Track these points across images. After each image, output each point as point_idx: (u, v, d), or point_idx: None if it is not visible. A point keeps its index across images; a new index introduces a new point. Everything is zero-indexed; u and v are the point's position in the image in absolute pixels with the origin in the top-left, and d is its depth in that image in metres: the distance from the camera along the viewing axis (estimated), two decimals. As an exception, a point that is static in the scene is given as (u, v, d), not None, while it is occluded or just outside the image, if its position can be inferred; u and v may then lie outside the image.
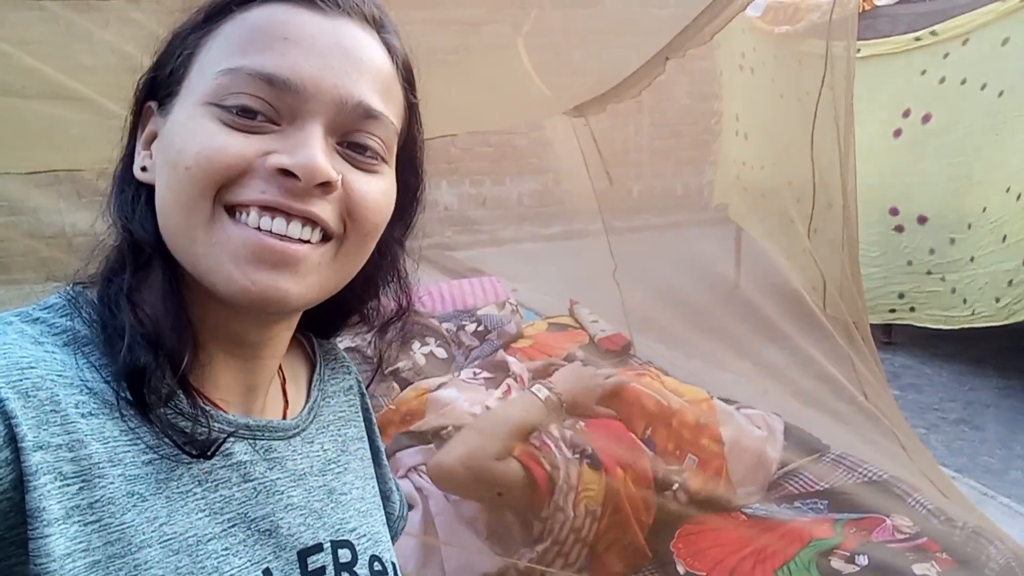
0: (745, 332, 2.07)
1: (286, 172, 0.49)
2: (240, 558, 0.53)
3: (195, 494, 0.52)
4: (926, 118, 3.22)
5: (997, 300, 3.01)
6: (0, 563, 0.45)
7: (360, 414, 0.73)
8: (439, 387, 1.82)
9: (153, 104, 0.55)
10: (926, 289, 3.34)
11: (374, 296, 0.66)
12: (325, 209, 0.51)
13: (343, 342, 0.76)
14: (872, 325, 3.60)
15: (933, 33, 3.16)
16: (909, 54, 3.26)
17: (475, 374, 1.80)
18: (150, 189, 0.53)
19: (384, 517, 0.70)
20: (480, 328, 2.55)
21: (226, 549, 0.52)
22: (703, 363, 2.57)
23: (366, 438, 0.73)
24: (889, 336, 3.61)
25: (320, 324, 0.70)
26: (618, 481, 1.43)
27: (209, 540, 0.52)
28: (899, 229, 3.40)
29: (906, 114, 3.29)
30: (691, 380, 2.37)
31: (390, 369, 2.36)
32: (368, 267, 0.59)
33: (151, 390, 0.50)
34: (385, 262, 0.64)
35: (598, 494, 1.41)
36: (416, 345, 2.42)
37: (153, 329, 0.50)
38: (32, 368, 0.47)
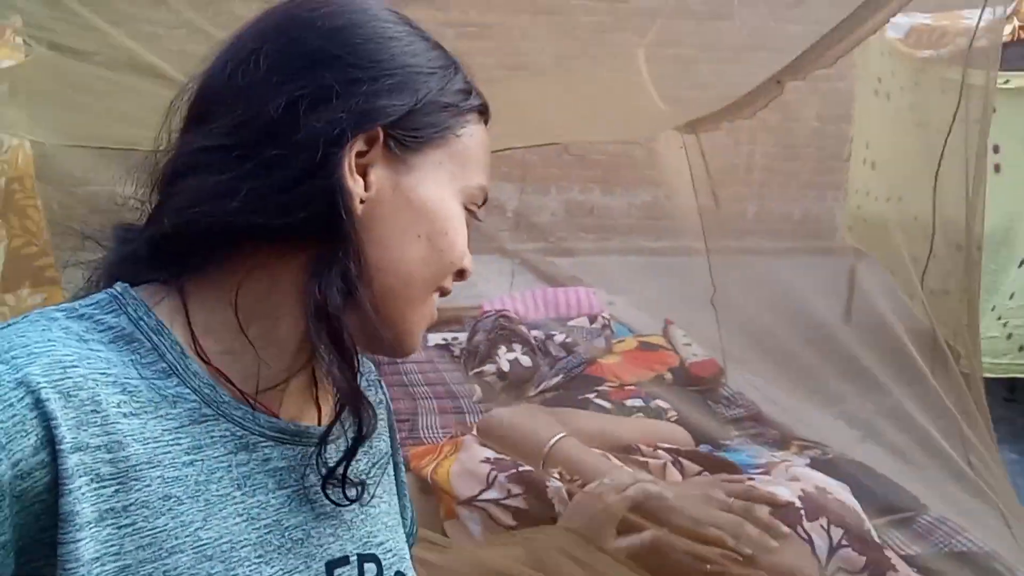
0: (849, 374, 1.94)
1: (462, 272, 0.62)
2: (272, 567, 0.53)
3: (234, 498, 0.52)
4: (1076, 156, 2.94)
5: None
6: (28, 564, 0.46)
7: (387, 429, 0.73)
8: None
9: (380, 132, 0.55)
10: (990, 335, 3.08)
11: None
12: None
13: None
14: (992, 381, 3.34)
15: (1096, 68, 2.87)
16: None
17: (510, 492, 1.34)
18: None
19: (403, 534, 0.70)
20: (568, 340, 2.52)
21: (259, 557, 0.53)
22: (800, 401, 2.45)
23: (390, 453, 0.72)
24: (1012, 393, 3.31)
25: None
26: None
27: (243, 547, 0.52)
28: None
29: (1060, 153, 3.01)
30: (786, 418, 2.26)
31: (475, 371, 2.37)
32: None
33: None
34: None
35: None
36: (502, 350, 2.42)
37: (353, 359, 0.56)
38: (75, 367, 0.47)
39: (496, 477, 1.32)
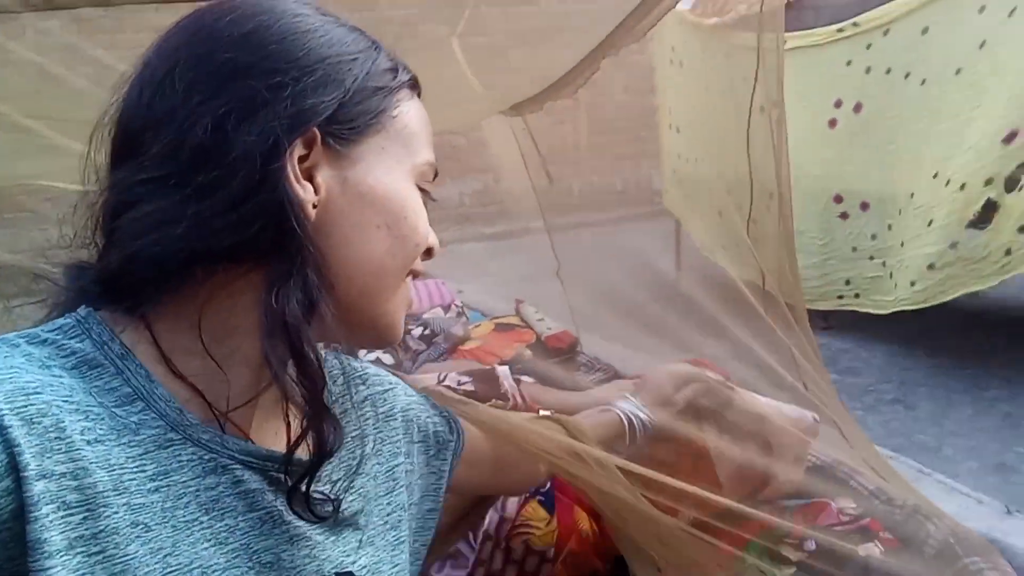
0: (687, 326, 2.09)
1: (430, 250, 0.62)
2: None
3: (201, 523, 0.51)
4: (857, 107, 3.32)
5: (912, 284, 3.11)
6: None
7: (393, 416, 0.72)
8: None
9: (316, 132, 0.53)
10: (868, 275, 3.44)
11: None
12: None
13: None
14: (811, 310, 3.70)
15: (855, 24, 3.26)
16: (834, 45, 3.35)
17: (459, 383, 1.54)
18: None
19: (391, 541, 0.67)
20: (427, 332, 2.53)
21: None
22: (649, 357, 2.61)
23: (400, 447, 0.71)
24: (827, 321, 3.71)
25: None
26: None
27: (213, 571, 0.51)
28: (843, 216, 3.48)
29: (838, 104, 3.38)
30: (639, 373, 2.40)
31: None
32: None
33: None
34: None
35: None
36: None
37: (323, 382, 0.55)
38: (38, 393, 0.46)
39: (445, 376, 1.35)
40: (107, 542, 0.46)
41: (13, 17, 0.71)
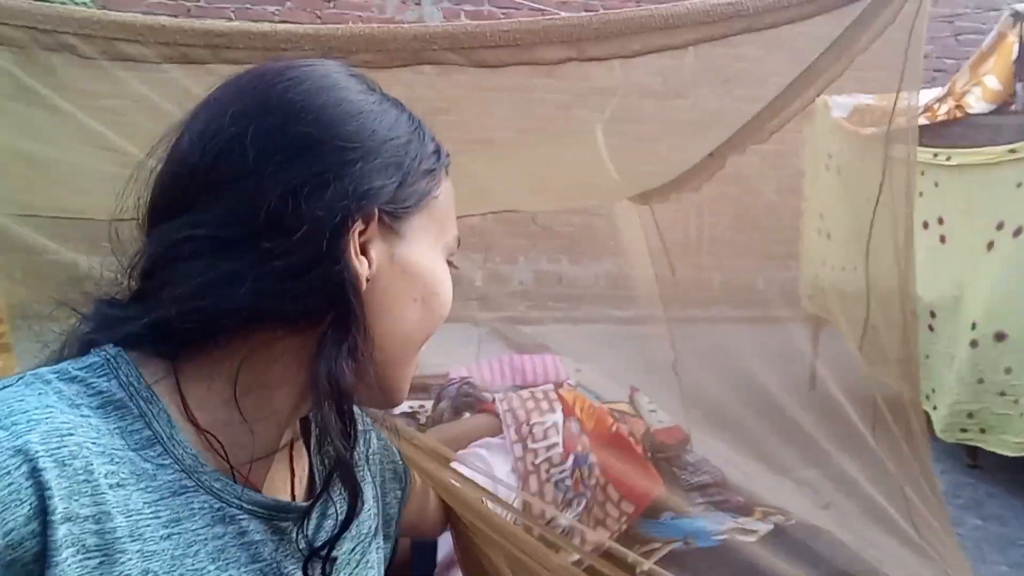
0: (808, 445, 1.97)
1: None
2: None
3: (208, 572, 0.52)
4: (1017, 232, 3.07)
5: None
6: None
7: (365, 461, 0.73)
8: None
9: (376, 210, 0.56)
10: (997, 411, 3.14)
11: None
12: None
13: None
14: (956, 447, 3.36)
15: (1030, 146, 3.04)
16: (1003, 166, 3.13)
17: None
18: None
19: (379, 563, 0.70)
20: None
21: None
22: (764, 468, 2.46)
23: (375, 486, 0.73)
24: (974, 459, 3.35)
25: None
26: None
27: None
28: (973, 344, 3.21)
29: (1000, 227, 3.15)
30: (749, 484, 2.27)
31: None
32: None
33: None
34: None
35: None
36: (467, 416, 2.41)
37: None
38: (71, 435, 0.47)
39: None
40: None
41: (154, 68, 0.82)
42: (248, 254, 0.52)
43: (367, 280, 0.56)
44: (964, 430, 3.26)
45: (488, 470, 1.69)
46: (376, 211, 0.56)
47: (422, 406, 2.66)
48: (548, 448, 1.78)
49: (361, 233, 0.55)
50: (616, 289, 5.03)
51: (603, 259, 5.02)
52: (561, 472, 1.72)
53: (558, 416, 1.88)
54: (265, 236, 0.52)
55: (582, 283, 5.16)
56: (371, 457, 0.75)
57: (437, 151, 0.62)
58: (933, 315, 3.40)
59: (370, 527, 0.70)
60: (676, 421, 2.52)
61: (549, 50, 1.00)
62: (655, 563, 1.68)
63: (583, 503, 1.72)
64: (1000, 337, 3.12)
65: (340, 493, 0.63)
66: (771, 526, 1.85)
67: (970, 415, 3.24)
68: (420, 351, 0.62)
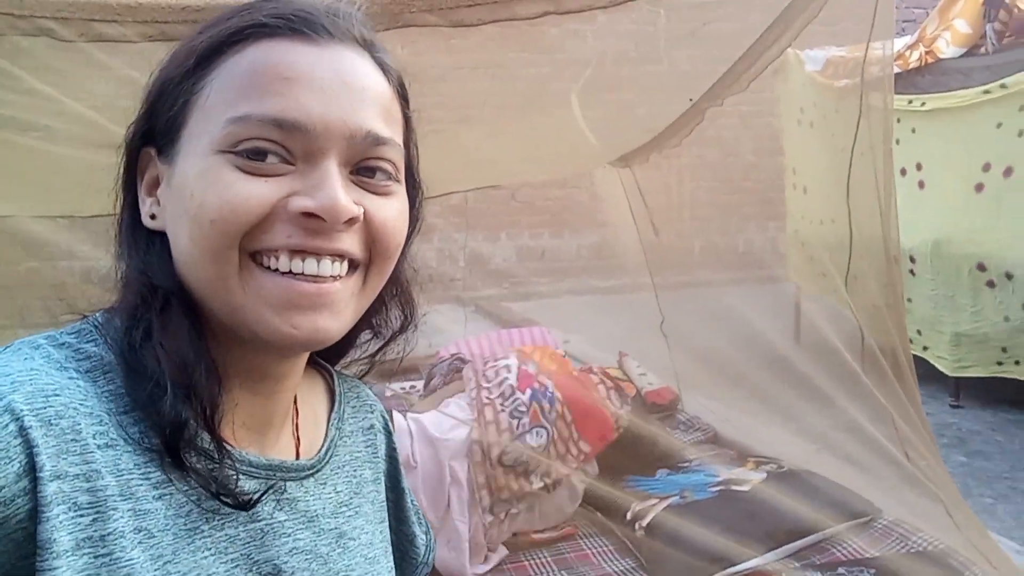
0: (798, 393, 2.01)
1: (310, 214, 0.50)
2: None
3: (202, 532, 0.51)
4: (1008, 172, 3.11)
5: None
6: None
7: (380, 455, 0.71)
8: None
9: (151, 150, 0.55)
10: None
11: (380, 309, 0.66)
12: (351, 241, 0.52)
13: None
14: (940, 387, 3.43)
15: (1003, 86, 3.07)
16: (980, 107, 3.16)
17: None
18: (162, 236, 0.54)
19: (391, 564, 0.69)
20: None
21: None
22: (755, 421, 2.50)
23: (383, 480, 0.71)
24: (958, 399, 3.43)
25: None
26: None
27: None
28: (991, 284, 3.27)
29: (986, 168, 3.19)
30: (742, 437, 2.32)
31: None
32: None
33: (191, 446, 0.50)
34: (391, 274, 0.63)
35: None
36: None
37: (187, 380, 0.50)
38: (57, 396, 0.47)
39: None
40: (115, 545, 0.47)
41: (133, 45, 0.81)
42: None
43: (152, 218, 0.55)
44: (1000, 363, 3.34)
45: (453, 415, 1.86)
46: (151, 152, 0.55)
47: (413, 387, 2.68)
48: (500, 384, 1.91)
49: (142, 175, 0.56)
50: (599, 259, 5.05)
51: (584, 232, 5.04)
52: (515, 403, 1.85)
53: (512, 360, 2.00)
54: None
55: (565, 256, 5.18)
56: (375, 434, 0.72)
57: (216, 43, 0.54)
58: (913, 260, 3.45)
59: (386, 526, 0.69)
60: (666, 382, 2.55)
61: (526, 5, 1.01)
62: (654, 518, 1.73)
63: (544, 435, 1.83)
64: (1009, 276, 3.18)
65: (338, 468, 0.64)
66: (764, 475, 1.89)
67: (1004, 349, 3.31)
68: (256, 269, 0.52)
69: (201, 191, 0.50)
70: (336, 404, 0.68)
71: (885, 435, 1.35)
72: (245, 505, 0.52)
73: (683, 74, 2.31)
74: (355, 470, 0.66)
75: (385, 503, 0.71)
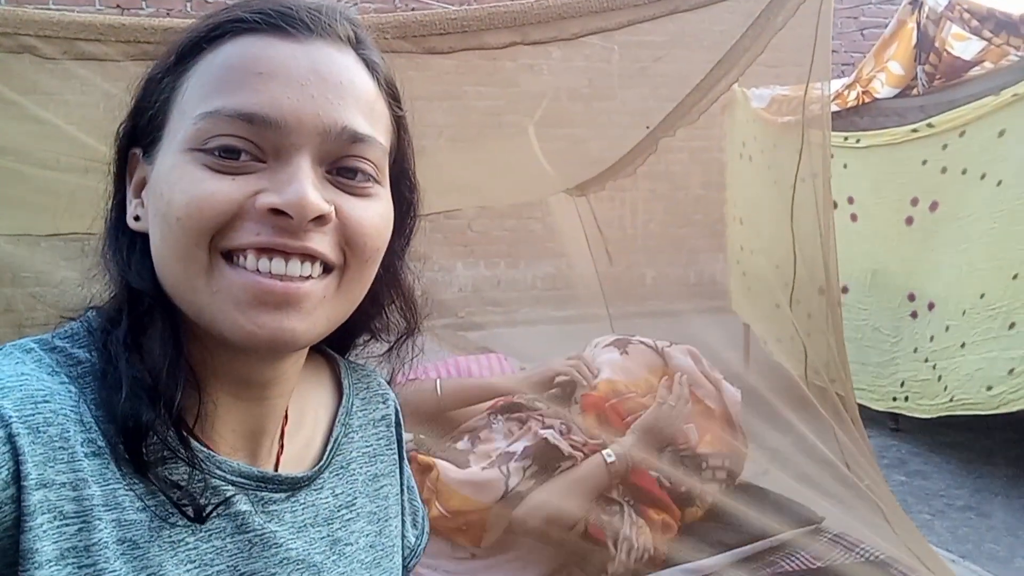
0: (749, 416, 2.09)
1: (278, 211, 0.49)
2: None
3: (187, 544, 0.50)
4: (933, 206, 3.29)
5: (989, 388, 2.99)
6: None
7: (394, 445, 0.70)
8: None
9: (138, 151, 0.55)
10: (920, 377, 3.34)
11: (379, 313, 0.65)
12: (323, 242, 0.51)
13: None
14: (880, 412, 3.55)
15: (929, 125, 3.26)
16: (909, 144, 3.35)
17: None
18: (144, 237, 0.53)
19: (395, 564, 0.67)
20: (482, 405, 2.56)
21: None
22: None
23: (397, 472, 0.70)
24: (896, 423, 3.57)
25: (330, 346, 0.68)
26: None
27: None
28: (913, 315, 3.42)
29: (914, 202, 3.37)
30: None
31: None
32: (372, 284, 0.57)
33: (150, 449, 0.49)
34: (387, 277, 0.62)
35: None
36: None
37: (152, 381, 0.49)
38: (46, 402, 0.46)
39: None
40: (99, 555, 0.46)
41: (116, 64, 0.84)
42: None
43: (137, 219, 0.55)
44: (894, 398, 3.46)
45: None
46: (136, 154, 0.55)
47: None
48: None
49: (131, 176, 0.56)
50: (554, 290, 5.13)
51: (540, 262, 5.11)
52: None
53: None
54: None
55: (520, 286, 5.23)
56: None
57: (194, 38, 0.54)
58: (845, 291, 3.60)
59: (394, 525, 0.68)
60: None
61: (495, 35, 1.07)
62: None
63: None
64: (931, 307, 3.32)
65: (339, 470, 0.63)
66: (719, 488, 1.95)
67: (902, 383, 3.44)
68: (228, 269, 0.50)
69: (169, 189, 0.49)
70: (344, 398, 0.67)
71: (831, 451, 1.42)
72: (199, 516, 0.51)
73: (634, 112, 2.41)
74: (363, 466, 0.65)
75: (400, 495, 0.69)
